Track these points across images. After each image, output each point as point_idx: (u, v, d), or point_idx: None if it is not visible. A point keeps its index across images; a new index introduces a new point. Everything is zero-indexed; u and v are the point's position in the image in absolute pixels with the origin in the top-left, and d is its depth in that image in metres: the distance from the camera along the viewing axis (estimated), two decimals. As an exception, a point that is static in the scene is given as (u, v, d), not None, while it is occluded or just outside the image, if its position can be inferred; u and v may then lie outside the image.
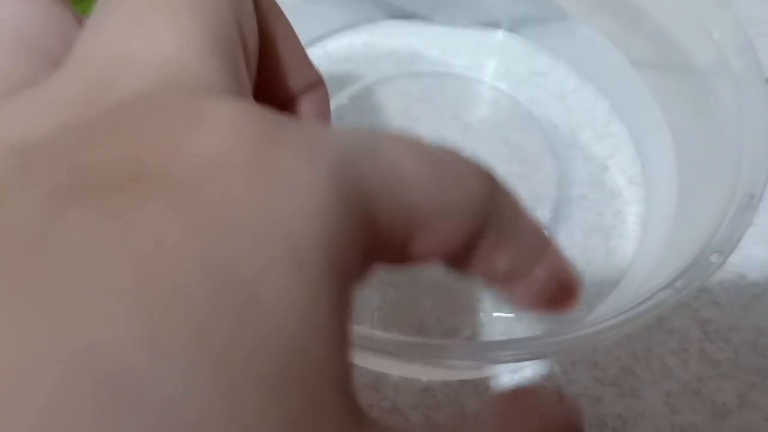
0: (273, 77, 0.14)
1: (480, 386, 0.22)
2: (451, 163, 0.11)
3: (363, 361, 0.22)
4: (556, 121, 0.26)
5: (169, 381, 0.07)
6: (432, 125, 0.26)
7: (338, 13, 0.28)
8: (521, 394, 0.13)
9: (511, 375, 0.22)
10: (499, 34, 0.28)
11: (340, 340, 0.08)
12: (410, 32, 0.28)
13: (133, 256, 0.07)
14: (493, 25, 0.28)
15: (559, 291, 0.15)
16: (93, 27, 0.11)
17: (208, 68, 0.11)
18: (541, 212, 0.24)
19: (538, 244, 0.14)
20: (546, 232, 0.15)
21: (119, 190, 0.08)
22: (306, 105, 0.15)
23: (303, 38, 0.28)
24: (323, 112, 0.16)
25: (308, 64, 0.15)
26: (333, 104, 0.26)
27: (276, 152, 0.09)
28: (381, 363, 0.22)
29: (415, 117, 0.26)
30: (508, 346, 0.16)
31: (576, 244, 0.23)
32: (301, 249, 0.08)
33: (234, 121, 0.09)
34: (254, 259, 0.07)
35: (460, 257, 0.12)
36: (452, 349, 0.16)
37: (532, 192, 0.24)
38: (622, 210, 0.24)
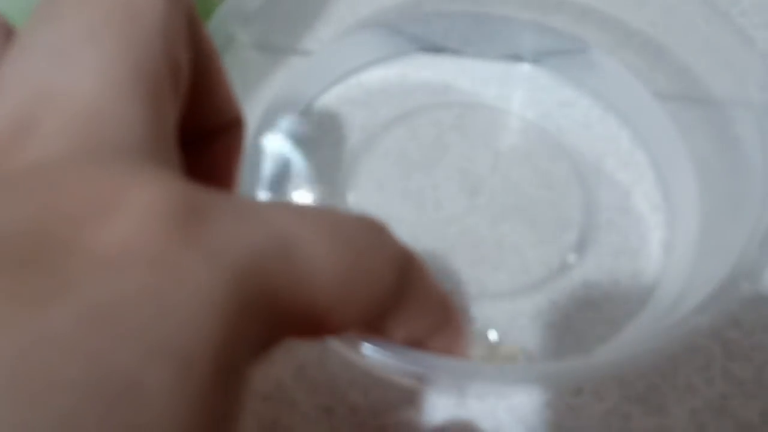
0: (196, 110, 0.14)
1: (514, 402, 0.23)
2: (368, 252, 0.11)
3: (397, 378, 0.23)
4: (582, 150, 0.27)
5: None
6: (464, 153, 0.27)
7: (372, 47, 0.30)
8: None
9: (545, 393, 0.23)
10: (526, 66, 0.30)
11: None
12: (441, 64, 0.30)
13: (10, 346, 0.07)
14: (519, 57, 0.30)
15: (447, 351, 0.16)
16: (18, 55, 0.11)
17: (130, 116, 0.10)
18: (569, 236, 0.25)
19: (439, 321, 0.15)
20: (453, 303, 0.15)
21: (11, 271, 0.08)
22: (222, 142, 0.15)
23: (338, 71, 0.29)
24: (236, 151, 0.16)
25: (233, 102, 0.15)
26: (368, 133, 0.28)
27: (182, 252, 0.09)
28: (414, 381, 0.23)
29: (447, 145, 0.28)
30: (549, 370, 0.17)
31: (603, 266, 0.25)
32: (190, 351, 0.08)
33: (148, 211, 0.09)
34: (136, 358, 0.08)
35: (363, 327, 0.13)
36: (481, 371, 0.17)
37: (561, 217, 0.26)
38: (647, 234, 0.25)
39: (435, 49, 0.30)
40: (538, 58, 0.30)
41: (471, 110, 0.28)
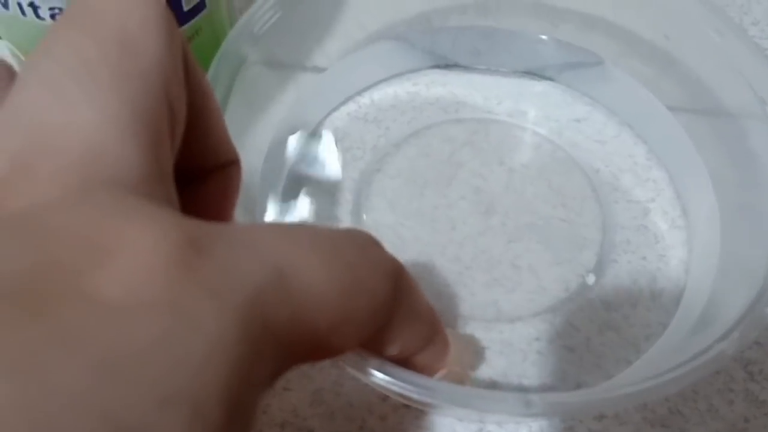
0: (191, 150, 0.14)
1: (533, 427, 0.22)
2: (364, 269, 0.11)
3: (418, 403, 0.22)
4: (597, 166, 0.27)
5: None
6: (477, 170, 0.27)
7: (382, 64, 0.29)
8: None
9: (566, 419, 0.22)
10: (538, 82, 0.29)
11: None
12: (453, 80, 0.29)
13: (19, 400, 0.07)
14: (531, 72, 0.29)
15: (430, 366, 0.17)
16: (15, 92, 0.11)
17: (127, 154, 0.10)
18: (586, 256, 0.25)
19: (429, 334, 0.15)
20: (438, 316, 0.16)
21: (11, 323, 0.07)
22: (216, 182, 0.15)
23: (349, 89, 0.29)
24: (231, 191, 0.16)
25: (228, 142, 0.15)
26: (380, 152, 0.28)
27: (186, 294, 0.08)
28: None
29: (460, 162, 0.27)
30: (573, 399, 0.17)
31: (622, 288, 0.24)
32: (202, 398, 0.08)
33: (147, 252, 0.09)
34: (149, 411, 0.07)
35: (362, 344, 0.13)
36: (507, 400, 0.17)
37: (577, 235, 0.25)
38: (666, 254, 0.25)
39: (445, 63, 0.30)
40: (549, 72, 0.29)
41: (483, 126, 0.28)
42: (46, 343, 0.07)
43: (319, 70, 0.28)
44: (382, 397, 0.23)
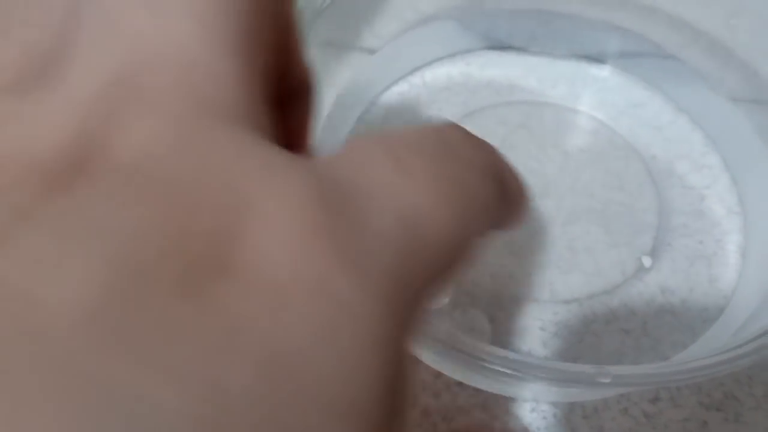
0: (279, 69, 0.12)
1: (588, 408, 0.22)
2: (470, 184, 0.10)
3: (471, 380, 0.23)
4: (654, 152, 0.27)
5: None
6: (531, 153, 0.27)
7: (435, 44, 0.29)
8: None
9: (620, 393, 0.22)
10: (595, 66, 0.29)
11: None
12: (507, 62, 0.29)
13: (180, 397, 0.06)
14: (587, 56, 0.29)
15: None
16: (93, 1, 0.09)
17: (228, 70, 0.08)
18: (643, 240, 0.25)
19: (524, 207, 0.13)
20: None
21: (170, 307, 0.06)
22: (296, 107, 0.13)
23: (401, 69, 0.29)
24: (310, 117, 0.13)
25: (307, 61, 0.13)
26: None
27: (331, 270, 0.07)
28: (488, 382, 0.22)
29: (514, 145, 0.27)
30: (646, 371, 0.17)
31: (680, 271, 0.24)
32: (363, 403, 0.07)
33: (288, 219, 0.07)
34: (315, 416, 0.07)
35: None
36: (584, 369, 0.17)
37: (635, 219, 0.25)
38: (722, 239, 0.25)
39: (499, 46, 0.29)
40: (606, 58, 0.29)
41: (538, 110, 0.28)
42: (206, 333, 0.06)
43: (371, 51, 0.28)
44: (436, 374, 0.23)
